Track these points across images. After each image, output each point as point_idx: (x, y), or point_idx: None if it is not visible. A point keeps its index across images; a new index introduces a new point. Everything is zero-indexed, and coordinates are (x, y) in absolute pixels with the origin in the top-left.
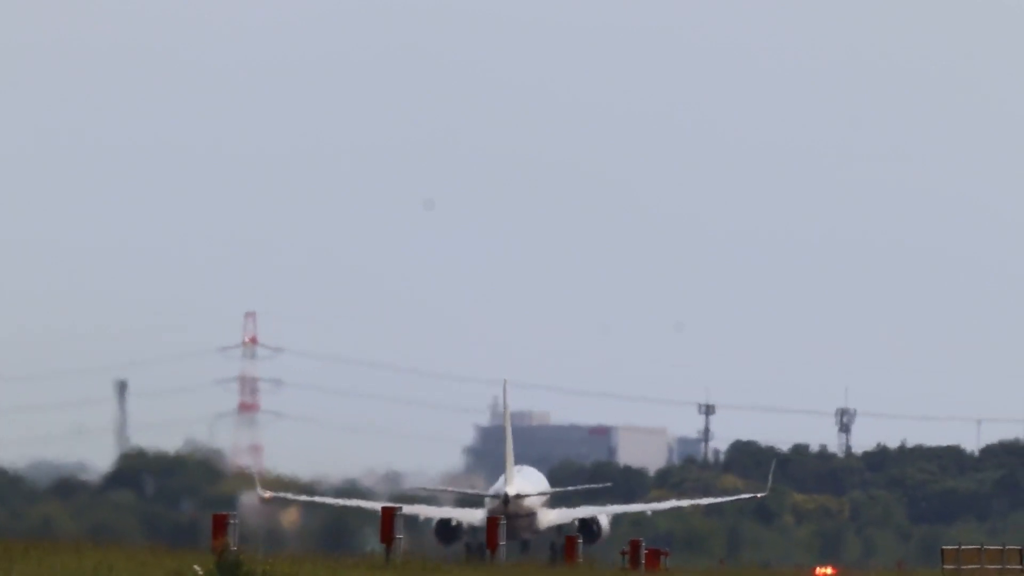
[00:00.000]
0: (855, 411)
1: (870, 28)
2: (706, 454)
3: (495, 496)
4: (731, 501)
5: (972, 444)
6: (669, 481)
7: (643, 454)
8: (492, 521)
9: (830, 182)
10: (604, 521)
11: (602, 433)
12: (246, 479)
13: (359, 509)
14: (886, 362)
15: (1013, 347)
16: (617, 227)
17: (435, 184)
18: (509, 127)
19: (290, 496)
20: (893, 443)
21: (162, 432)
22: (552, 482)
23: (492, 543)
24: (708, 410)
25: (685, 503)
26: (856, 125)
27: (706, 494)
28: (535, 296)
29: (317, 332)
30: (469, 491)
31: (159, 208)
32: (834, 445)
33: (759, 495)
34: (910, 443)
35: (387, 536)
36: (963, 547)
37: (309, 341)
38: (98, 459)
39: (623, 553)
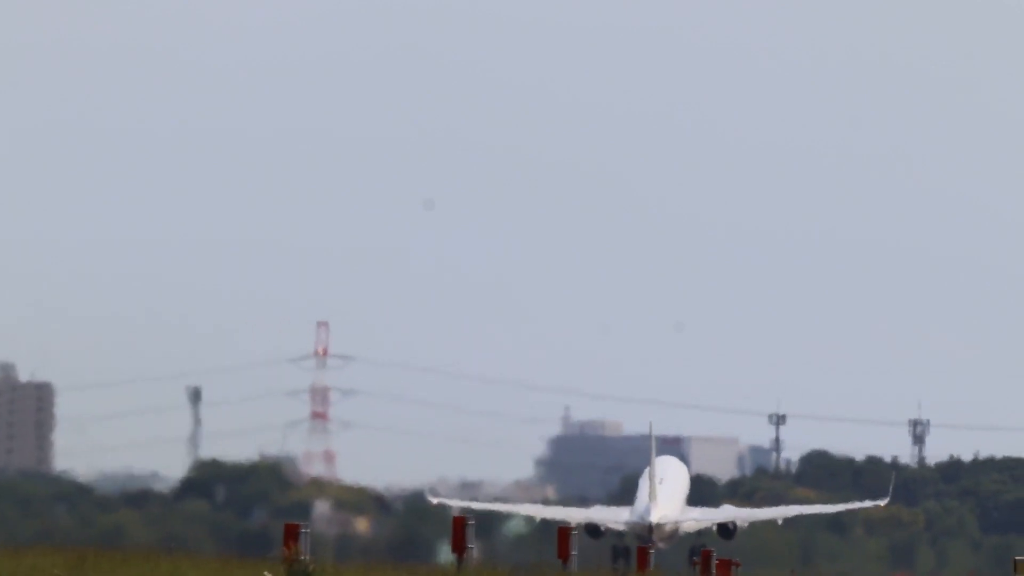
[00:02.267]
0: (928, 422)
1: (870, 28)
2: (777, 464)
3: (639, 522)
4: (855, 508)
5: None
6: (740, 491)
7: (715, 464)
8: (563, 531)
9: (830, 182)
10: (741, 523)
11: (674, 443)
12: (319, 488)
13: (436, 517)
14: (959, 373)
15: None
16: (618, 227)
17: (435, 184)
18: (509, 127)
19: (451, 502)
20: (966, 454)
21: (234, 441)
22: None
23: (563, 553)
24: (779, 420)
25: (811, 510)
26: (856, 125)
27: (779, 504)
28: (545, 297)
29: (388, 341)
30: (616, 525)
31: (193, 210)
32: (907, 456)
33: (881, 502)
34: (983, 454)
35: (459, 545)
36: None
37: (380, 350)
38: (171, 468)
39: (695, 563)
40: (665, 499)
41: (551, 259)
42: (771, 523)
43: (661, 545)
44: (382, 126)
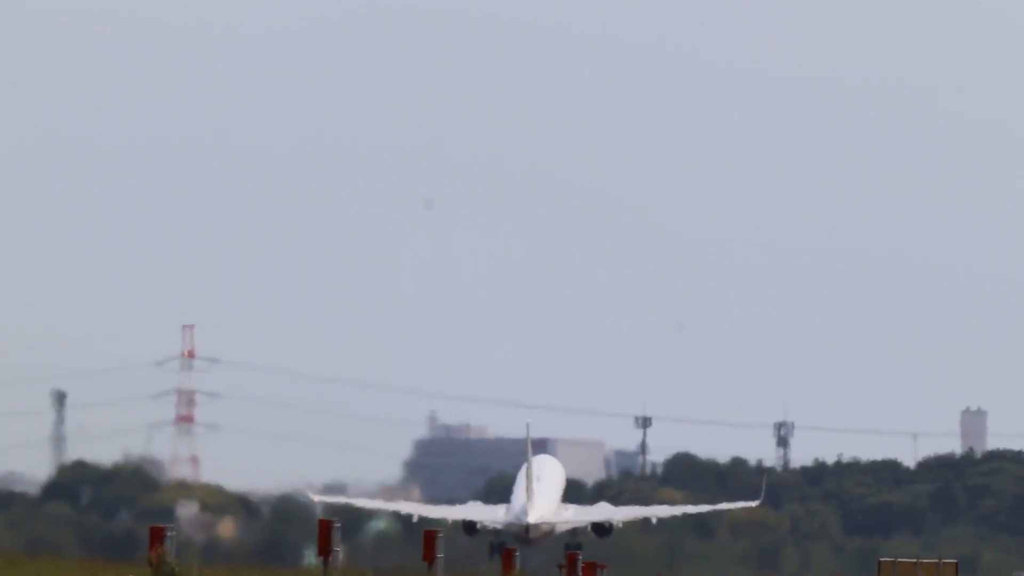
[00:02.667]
0: (793, 424)
1: (868, 37)
2: (643, 467)
3: (515, 522)
4: (729, 509)
5: (908, 458)
6: (607, 494)
7: (581, 467)
8: (429, 533)
9: (817, 190)
10: (616, 521)
11: (540, 446)
12: (184, 490)
13: (302, 520)
14: (824, 375)
15: (949, 362)
16: (615, 229)
17: (435, 184)
18: (509, 128)
19: (329, 499)
20: (830, 457)
21: (99, 444)
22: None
23: (428, 556)
24: (645, 423)
25: (685, 510)
26: (854, 132)
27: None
28: (512, 302)
29: (254, 343)
30: (493, 524)
31: (123, 212)
32: (771, 458)
33: (754, 503)
34: (847, 457)
35: (324, 548)
36: (899, 560)
37: (246, 353)
38: (35, 471)
39: (560, 566)
40: (542, 498)
41: (546, 261)
42: (637, 525)
43: (535, 541)
44: (382, 127)
